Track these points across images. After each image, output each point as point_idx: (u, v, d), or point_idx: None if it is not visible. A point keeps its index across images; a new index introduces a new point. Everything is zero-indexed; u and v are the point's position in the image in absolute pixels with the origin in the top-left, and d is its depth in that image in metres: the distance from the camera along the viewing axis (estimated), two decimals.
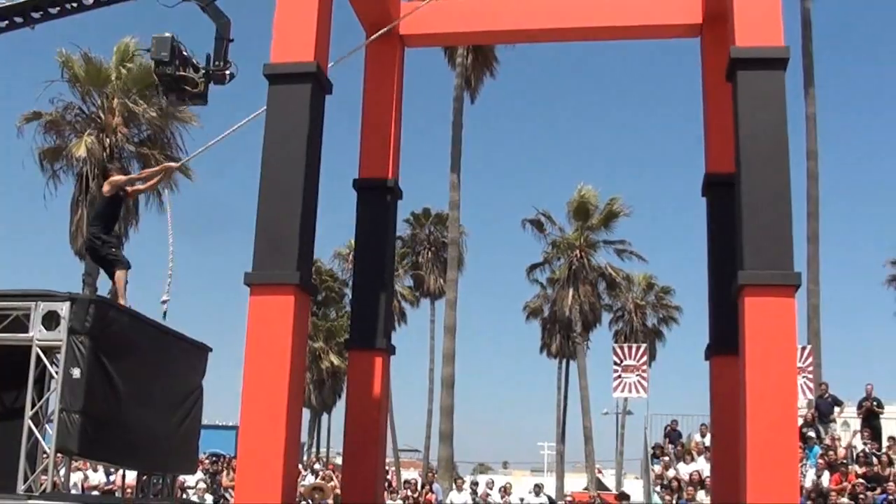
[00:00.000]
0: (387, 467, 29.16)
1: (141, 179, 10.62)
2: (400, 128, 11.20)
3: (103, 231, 9.62)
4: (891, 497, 16.55)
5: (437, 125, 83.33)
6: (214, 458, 22.70)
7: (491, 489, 22.48)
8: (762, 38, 8.48)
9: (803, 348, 22.43)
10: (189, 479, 17.25)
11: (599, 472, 46.74)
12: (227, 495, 18.15)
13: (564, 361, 49.17)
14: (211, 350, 10.26)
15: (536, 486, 23.45)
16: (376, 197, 10.82)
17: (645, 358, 24.70)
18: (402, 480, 28.06)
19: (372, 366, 10.43)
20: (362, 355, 10.53)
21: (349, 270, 46.04)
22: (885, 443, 19.45)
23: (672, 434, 21.60)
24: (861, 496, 16.85)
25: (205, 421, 11.80)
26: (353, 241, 13.75)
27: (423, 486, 23.04)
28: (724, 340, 9.24)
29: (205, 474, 19.50)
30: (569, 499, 26.83)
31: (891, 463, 17.99)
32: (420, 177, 75.91)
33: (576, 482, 45.85)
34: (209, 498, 16.93)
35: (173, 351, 10.07)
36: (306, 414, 49.44)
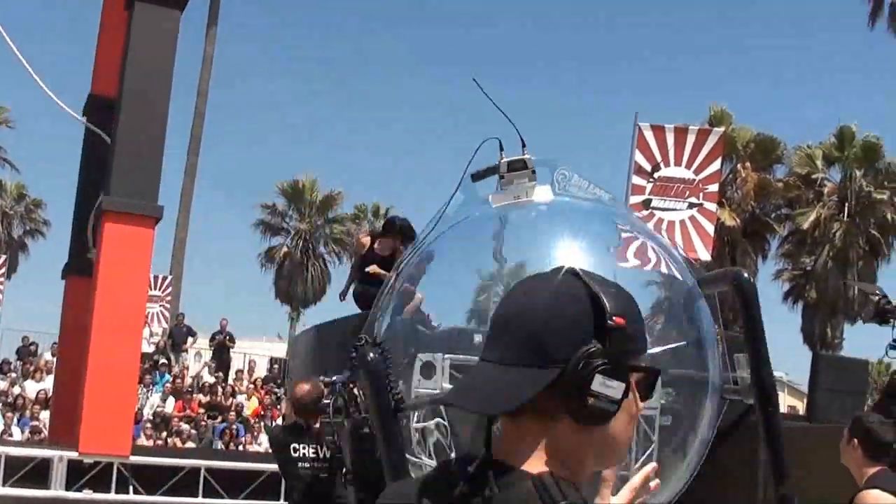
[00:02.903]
0: None
1: None
2: None
3: None
4: (232, 426, 18.15)
5: None
6: None
7: None
8: None
9: (164, 277, 23.32)
10: None
11: None
12: None
13: None
14: None
15: None
16: None
17: (4, 269, 23.58)
18: None
19: None
20: None
21: None
22: (232, 375, 21.21)
23: (23, 351, 20.99)
24: (202, 423, 18.20)
25: None
26: None
27: None
28: (83, 261, 9.30)
29: None
30: None
31: (234, 394, 19.70)
32: None
33: None
34: None
35: None
36: None
